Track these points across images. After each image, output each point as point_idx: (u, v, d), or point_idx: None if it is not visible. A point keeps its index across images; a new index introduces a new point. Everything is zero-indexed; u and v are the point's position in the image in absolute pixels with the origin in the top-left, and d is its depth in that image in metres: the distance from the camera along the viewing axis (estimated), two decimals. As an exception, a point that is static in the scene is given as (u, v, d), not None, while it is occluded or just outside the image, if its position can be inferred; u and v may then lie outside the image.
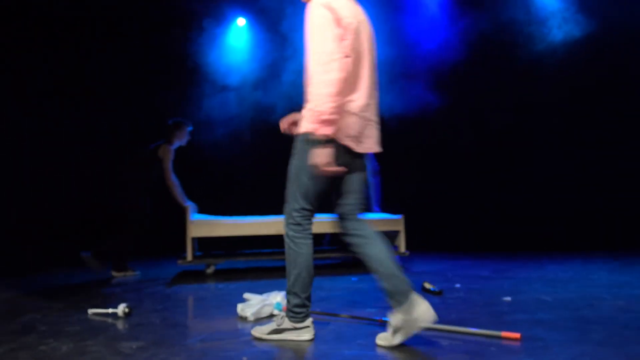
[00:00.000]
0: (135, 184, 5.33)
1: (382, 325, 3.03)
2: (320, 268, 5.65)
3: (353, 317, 3.23)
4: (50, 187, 6.94)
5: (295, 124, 2.85)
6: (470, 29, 7.08)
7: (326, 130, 2.48)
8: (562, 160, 7.39)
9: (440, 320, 3.08)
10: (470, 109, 7.46)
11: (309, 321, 2.79)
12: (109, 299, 4.06)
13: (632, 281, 4.38)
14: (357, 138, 2.69)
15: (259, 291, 3.84)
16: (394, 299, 2.61)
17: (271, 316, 3.36)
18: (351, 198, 2.80)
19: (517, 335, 2.68)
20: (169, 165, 5.27)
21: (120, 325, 3.24)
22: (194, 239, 5.45)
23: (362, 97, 2.68)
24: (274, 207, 5.56)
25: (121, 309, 3.45)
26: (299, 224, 2.73)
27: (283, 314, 2.82)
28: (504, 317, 3.20)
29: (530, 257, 6.11)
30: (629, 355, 2.39)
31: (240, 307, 3.36)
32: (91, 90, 7.21)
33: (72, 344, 2.78)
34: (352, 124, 2.65)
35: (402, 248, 5.62)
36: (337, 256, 5.83)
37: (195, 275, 5.30)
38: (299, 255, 2.73)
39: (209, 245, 6.15)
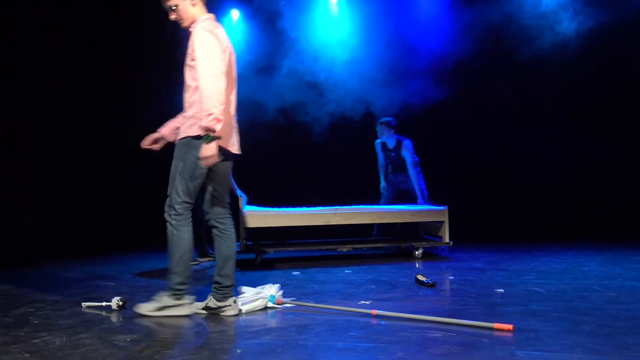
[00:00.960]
0: None
1: (375, 317, 3.05)
2: (315, 260, 5.66)
3: (346, 310, 3.24)
4: (48, 180, 6.91)
5: (156, 142, 3.44)
6: (476, 22, 7.03)
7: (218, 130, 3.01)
8: (559, 153, 7.40)
9: (433, 312, 3.10)
10: (468, 103, 7.45)
11: (189, 298, 3.24)
12: (103, 292, 4.05)
13: (623, 273, 4.42)
14: (231, 141, 3.25)
15: (274, 280, 3.85)
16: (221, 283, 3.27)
17: (265, 309, 3.37)
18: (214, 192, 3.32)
19: (509, 326, 2.70)
20: None
21: (114, 318, 3.24)
22: (244, 230, 5.59)
23: (231, 107, 3.25)
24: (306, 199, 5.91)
25: (115, 302, 3.45)
26: (181, 214, 3.18)
27: (163, 292, 3.22)
28: (496, 309, 3.22)
29: (523, 249, 6.14)
30: (619, 345, 2.41)
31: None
32: (85, 87, 7.16)
33: (66, 337, 2.78)
34: (227, 129, 3.19)
35: (446, 238, 5.68)
36: (382, 246, 6.00)
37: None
38: (182, 240, 3.17)
39: (257, 235, 6.17)
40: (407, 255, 5.95)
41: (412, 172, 6.25)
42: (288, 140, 7.68)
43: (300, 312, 3.26)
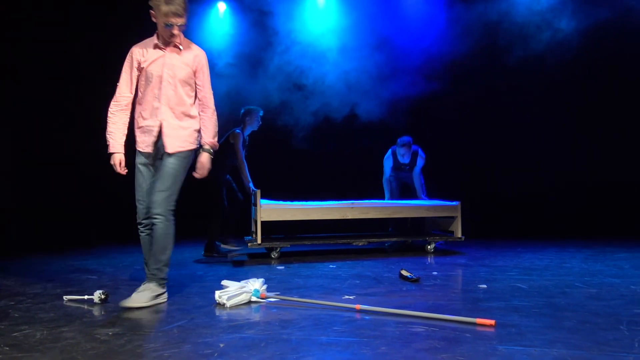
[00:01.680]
0: (216, 171, 5.57)
1: (359, 312, 3.06)
2: (299, 255, 5.66)
3: (330, 305, 3.24)
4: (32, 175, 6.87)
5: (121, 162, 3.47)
6: (474, 21, 7.03)
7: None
8: (558, 153, 7.45)
9: (417, 307, 3.12)
10: (462, 98, 7.46)
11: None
12: (85, 285, 4.01)
13: (603, 270, 4.48)
14: None
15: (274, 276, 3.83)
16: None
17: (249, 303, 3.36)
18: None
19: (491, 322, 2.72)
20: (239, 147, 5.66)
21: (96, 311, 3.21)
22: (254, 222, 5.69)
23: None
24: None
25: (97, 295, 3.42)
26: (174, 210, 3.42)
27: (151, 284, 3.38)
28: (479, 304, 3.25)
29: (507, 245, 6.20)
30: (599, 341, 2.44)
31: (217, 294, 3.35)
32: (69, 81, 7.08)
33: (47, 330, 2.75)
34: None
35: (459, 233, 5.79)
36: (397, 240, 6.03)
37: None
38: (173, 234, 3.44)
39: (270, 230, 6.19)
40: (390, 253, 5.98)
41: (417, 171, 6.37)
42: (282, 138, 7.65)
43: (284, 307, 3.26)
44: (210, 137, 3.54)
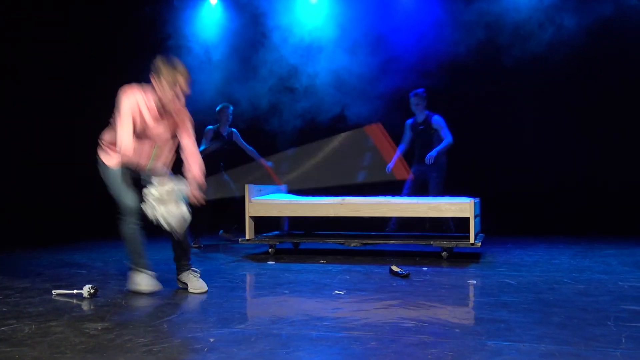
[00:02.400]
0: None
1: (348, 307, 3.07)
2: (289, 253, 5.66)
3: (318, 298, 3.25)
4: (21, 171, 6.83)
5: None
6: (473, 19, 7.02)
7: None
8: (538, 148, 7.48)
9: (407, 303, 3.13)
10: (461, 98, 7.45)
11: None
12: (74, 279, 3.99)
13: (591, 266, 4.52)
14: None
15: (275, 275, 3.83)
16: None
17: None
18: None
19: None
20: (202, 141, 6.12)
21: (85, 306, 3.19)
22: (283, 219, 5.91)
23: None
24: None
25: (86, 289, 3.39)
26: None
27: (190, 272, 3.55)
28: (468, 300, 3.26)
29: (496, 242, 6.23)
30: (587, 336, 2.46)
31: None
32: (69, 81, 7.03)
33: (35, 325, 2.73)
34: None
35: (472, 238, 4.90)
36: (400, 242, 5.38)
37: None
38: None
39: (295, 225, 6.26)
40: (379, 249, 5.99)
41: (447, 132, 6.16)
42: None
43: (275, 302, 3.26)
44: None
